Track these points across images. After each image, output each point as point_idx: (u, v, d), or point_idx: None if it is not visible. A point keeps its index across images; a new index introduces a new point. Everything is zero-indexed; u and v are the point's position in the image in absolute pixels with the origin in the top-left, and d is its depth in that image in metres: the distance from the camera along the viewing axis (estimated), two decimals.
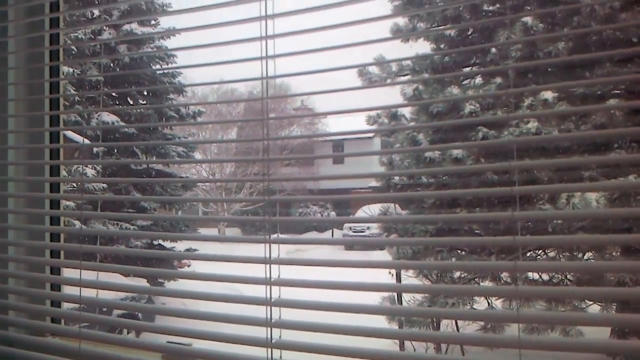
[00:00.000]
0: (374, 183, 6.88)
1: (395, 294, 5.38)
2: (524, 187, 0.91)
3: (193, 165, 11.42)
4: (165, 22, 9.00)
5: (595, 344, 0.88)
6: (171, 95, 9.10)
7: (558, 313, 2.16)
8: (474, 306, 5.05)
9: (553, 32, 5.07)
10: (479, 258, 5.04)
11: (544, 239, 1.25)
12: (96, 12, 7.57)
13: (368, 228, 9.52)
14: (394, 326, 4.86)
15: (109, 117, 7.74)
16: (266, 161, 1.13)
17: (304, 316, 1.03)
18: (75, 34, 7.35)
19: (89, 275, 1.26)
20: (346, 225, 10.19)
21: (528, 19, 4.77)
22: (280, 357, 1.04)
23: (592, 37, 4.80)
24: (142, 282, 6.09)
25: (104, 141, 8.28)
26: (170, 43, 8.12)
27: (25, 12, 1.50)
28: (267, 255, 1.05)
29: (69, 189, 5.16)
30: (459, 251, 5.36)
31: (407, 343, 4.93)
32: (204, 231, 11.32)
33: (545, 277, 4.95)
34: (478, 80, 5.67)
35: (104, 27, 8.24)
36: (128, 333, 4.34)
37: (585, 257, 4.86)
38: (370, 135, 9.19)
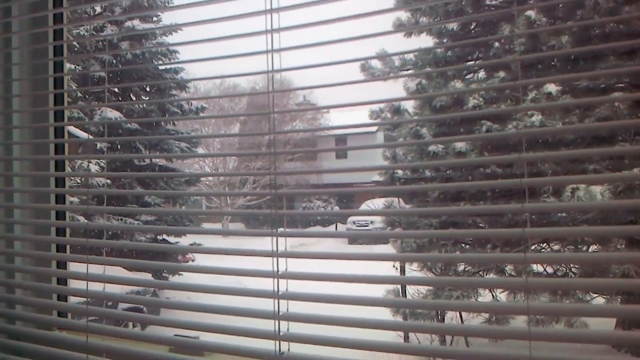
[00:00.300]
0: (377, 178, 6.88)
1: (399, 288, 5.40)
2: (534, 178, 0.91)
3: (196, 161, 11.43)
4: (167, 18, 9.03)
5: (605, 336, 0.88)
6: (174, 92, 9.10)
7: (567, 305, 2.16)
8: (478, 299, 5.06)
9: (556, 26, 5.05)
10: (483, 252, 5.05)
11: (553, 231, 1.25)
12: (98, 9, 7.56)
13: (372, 222, 9.52)
14: (399, 319, 4.88)
15: (112, 114, 7.74)
16: (272, 154, 1.13)
17: (310, 309, 1.03)
18: (77, 31, 7.34)
19: (95, 269, 1.26)
20: (350, 219, 10.17)
21: (531, 13, 4.74)
22: (289, 349, 1.04)
23: (595, 31, 4.78)
24: (147, 277, 6.12)
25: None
26: (172, 39, 8.14)
27: (29, 7, 1.50)
28: (275, 248, 1.05)
29: (74, 185, 5.18)
30: (463, 245, 5.36)
31: (411, 336, 4.95)
32: (208, 227, 11.33)
33: (549, 269, 4.95)
34: (481, 74, 5.66)
35: (106, 24, 8.23)
36: (134, 327, 4.37)
37: (590, 251, 4.86)
38: (374, 130, 9.17)
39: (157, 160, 8.83)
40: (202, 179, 10.50)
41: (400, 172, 5.67)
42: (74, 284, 1.47)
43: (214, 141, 11.91)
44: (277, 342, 1.03)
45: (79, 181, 5.49)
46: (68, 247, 1.52)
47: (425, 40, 6.00)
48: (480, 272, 5.25)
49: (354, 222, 9.96)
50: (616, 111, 4.45)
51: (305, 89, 13.67)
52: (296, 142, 11.85)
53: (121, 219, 7.48)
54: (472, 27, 5.78)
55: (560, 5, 4.82)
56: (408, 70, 5.96)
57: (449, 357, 1.22)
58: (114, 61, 8.09)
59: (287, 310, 1.04)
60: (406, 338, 4.92)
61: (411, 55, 5.82)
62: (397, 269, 5.35)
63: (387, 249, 6.59)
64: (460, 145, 4.94)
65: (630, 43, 0.95)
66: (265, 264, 1.08)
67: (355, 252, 1.04)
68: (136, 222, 7.66)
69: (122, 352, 1.21)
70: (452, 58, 5.67)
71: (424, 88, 5.49)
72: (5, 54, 1.49)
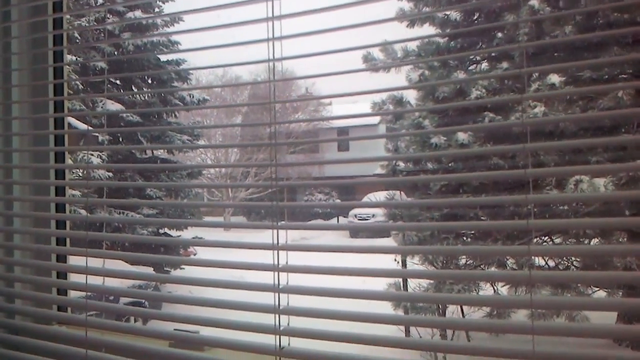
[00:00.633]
0: (379, 170, 6.86)
1: (400, 281, 5.39)
2: (538, 169, 0.89)
3: (198, 154, 11.43)
4: (169, 8, 8.98)
5: (608, 330, 0.86)
6: (175, 84, 9.08)
7: (571, 298, 2.15)
8: (479, 293, 5.06)
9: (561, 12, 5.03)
10: (485, 245, 5.03)
11: (557, 223, 1.23)
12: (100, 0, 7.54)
13: (373, 216, 9.51)
14: (400, 312, 4.88)
15: (113, 106, 7.72)
16: (273, 145, 1.11)
17: (311, 303, 1.02)
18: (78, 22, 7.32)
19: (94, 263, 1.24)
20: (351, 213, 10.18)
21: (535, 2, 4.72)
22: (289, 344, 1.02)
23: (598, 21, 4.75)
24: (149, 271, 6.12)
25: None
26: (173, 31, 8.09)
27: None
28: (275, 242, 1.04)
29: (75, 177, 5.18)
30: (465, 238, 5.35)
31: (412, 330, 4.95)
32: (209, 220, 11.34)
33: (551, 263, 4.95)
34: (484, 65, 5.63)
35: (107, 16, 8.20)
36: (135, 321, 4.36)
37: (592, 244, 4.85)
38: (376, 122, 9.15)
39: (159, 153, 8.82)
40: (204, 172, 10.48)
41: (402, 164, 5.65)
42: (74, 277, 1.46)
43: (216, 134, 11.92)
44: (277, 337, 1.02)
45: (80, 174, 5.48)
46: (68, 240, 1.51)
47: (428, 31, 5.97)
48: (481, 266, 5.25)
49: (355, 216, 9.96)
50: (619, 102, 4.44)
51: (307, 78, 13.63)
52: (298, 135, 11.86)
53: (122, 212, 7.47)
54: (476, 17, 5.75)
55: None
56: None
57: (450, 352, 1.20)
58: (115, 52, 8.07)
59: (288, 303, 1.03)
60: (407, 332, 4.92)
61: (414, 47, 5.78)
62: (398, 262, 5.34)
63: (389, 242, 6.59)
64: (462, 137, 4.92)
65: (632, 30, 0.93)
66: (266, 257, 1.07)
67: (357, 245, 1.02)
68: (138, 215, 7.67)
69: (121, 346, 1.20)
70: (455, 48, 5.64)
71: (427, 79, 5.47)
72: (5, 43, 1.47)
